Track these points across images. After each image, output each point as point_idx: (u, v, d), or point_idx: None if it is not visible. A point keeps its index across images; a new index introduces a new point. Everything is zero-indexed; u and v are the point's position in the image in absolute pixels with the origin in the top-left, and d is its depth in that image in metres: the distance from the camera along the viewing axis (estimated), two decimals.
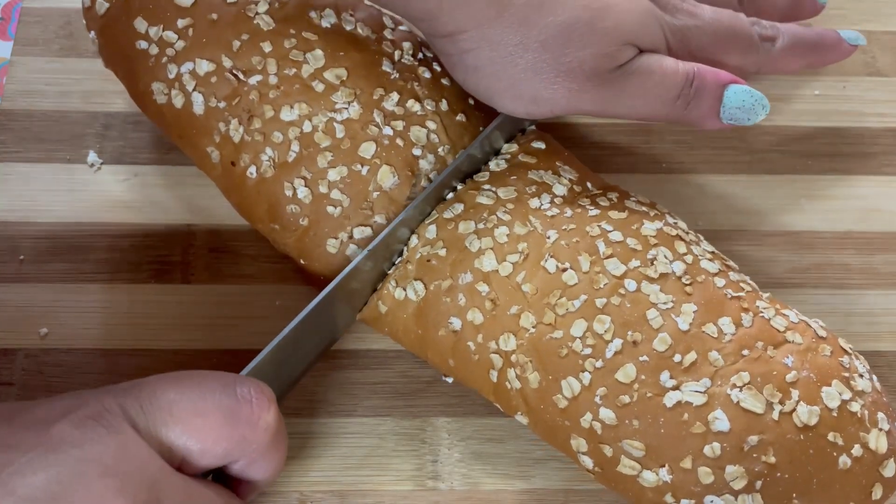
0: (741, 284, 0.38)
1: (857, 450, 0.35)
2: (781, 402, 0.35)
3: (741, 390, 0.35)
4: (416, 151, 0.41)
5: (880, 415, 0.36)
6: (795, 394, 0.35)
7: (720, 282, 0.38)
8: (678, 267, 0.38)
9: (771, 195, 0.49)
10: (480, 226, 0.39)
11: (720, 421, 0.35)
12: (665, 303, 0.37)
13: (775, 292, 0.46)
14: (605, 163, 0.49)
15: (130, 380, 0.42)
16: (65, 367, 0.43)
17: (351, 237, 0.40)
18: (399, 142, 0.41)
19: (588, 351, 0.37)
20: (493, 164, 0.41)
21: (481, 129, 0.42)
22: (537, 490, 0.41)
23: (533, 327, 0.37)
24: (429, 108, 0.42)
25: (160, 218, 0.47)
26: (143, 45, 0.43)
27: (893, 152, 0.51)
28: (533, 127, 0.45)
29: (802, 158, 0.51)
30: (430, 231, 0.40)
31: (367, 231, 0.40)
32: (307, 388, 0.43)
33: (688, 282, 0.37)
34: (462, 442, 0.42)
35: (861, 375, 0.37)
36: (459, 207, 0.40)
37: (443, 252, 0.39)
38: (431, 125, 0.41)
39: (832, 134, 0.52)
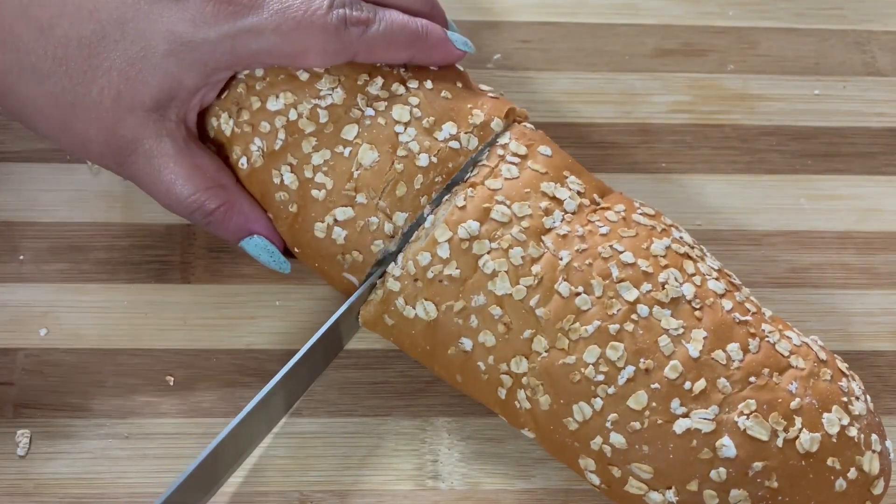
0: (746, 305, 0.39)
1: (852, 473, 0.37)
2: (786, 430, 0.36)
3: (748, 418, 0.36)
4: (398, 129, 0.41)
5: (874, 436, 0.38)
6: (799, 421, 0.36)
7: (727, 304, 0.38)
8: (688, 290, 0.38)
9: (771, 195, 0.49)
10: (494, 245, 0.39)
11: (727, 448, 0.36)
12: (676, 329, 0.37)
13: (775, 292, 0.46)
14: (605, 163, 0.49)
15: (131, 379, 0.42)
16: (65, 367, 0.43)
17: (335, 220, 0.40)
18: (381, 120, 0.41)
19: (601, 378, 0.37)
20: (504, 170, 0.41)
21: (469, 106, 0.42)
22: (537, 490, 0.41)
23: (545, 351, 0.38)
24: (412, 86, 0.42)
25: (160, 218, 0.47)
26: None
27: (893, 152, 0.51)
28: (531, 126, 0.45)
29: (802, 158, 0.51)
30: (443, 250, 0.39)
31: (350, 212, 0.40)
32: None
33: (697, 306, 0.38)
34: (462, 442, 0.42)
35: (857, 398, 0.38)
36: (474, 226, 0.39)
37: (456, 273, 0.39)
38: (414, 101, 0.41)
39: (832, 134, 0.52)
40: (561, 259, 0.39)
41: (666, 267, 0.39)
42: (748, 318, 0.38)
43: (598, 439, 0.37)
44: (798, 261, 0.48)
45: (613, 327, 0.37)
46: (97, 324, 0.44)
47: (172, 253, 0.46)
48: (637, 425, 0.36)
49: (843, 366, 0.39)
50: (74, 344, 0.43)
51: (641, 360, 0.37)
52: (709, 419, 0.36)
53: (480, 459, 0.42)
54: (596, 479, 0.38)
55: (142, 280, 0.45)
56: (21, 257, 0.45)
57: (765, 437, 0.36)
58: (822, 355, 0.39)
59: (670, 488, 0.36)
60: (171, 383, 0.42)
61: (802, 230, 0.48)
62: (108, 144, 0.39)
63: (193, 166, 0.40)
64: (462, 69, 0.44)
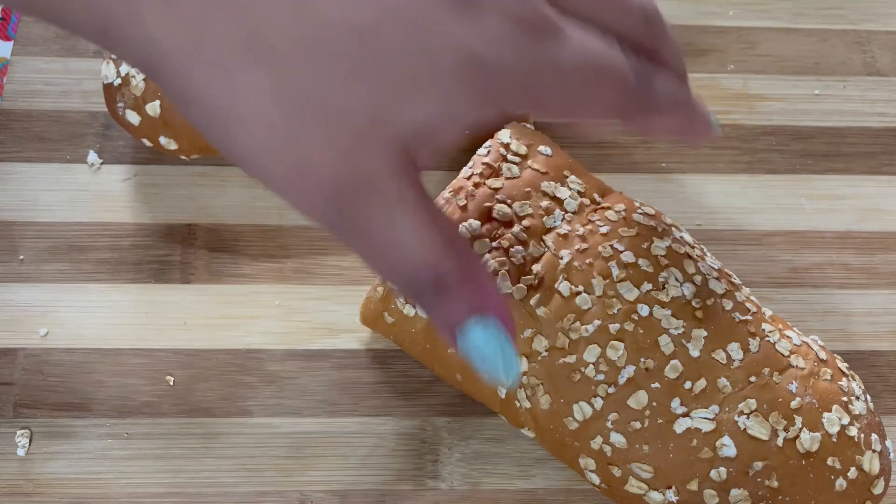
0: (747, 305, 0.39)
1: (852, 472, 0.37)
2: (786, 429, 0.36)
3: (748, 417, 0.36)
4: None
5: (874, 436, 0.38)
6: (799, 420, 0.37)
7: (728, 304, 0.38)
8: (688, 290, 0.38)
9: (771, 195, 0.49)
10: (495, 244, 0.39)
11: (727, 447, 0.36)
12: (676, 328, 0.37)
13: (775, 292, 0.46)
14: (605, 163, 0.49)
15: (131, 379, 0.42)
16: (65, 367, 0.43)
17: None
18: None
19: (601, 377, 0.37)
20: (505, 169, 0.41)
21: None
22: (537, 490, 0.41)
23: (546, 351, 0.38)
24: None
25: (160, 218, 0.47)
26: None
27: (893, 152, 0.51)
28: (532, 126, 0.45)
29: (802, 158, 0.51)
30: None
31: None
32: (307, 388, 0.43)
33: (698, 305, 0.38)
34: (462, 442, 0.42)
35: (857, 398, 0.38)
36: (475, 225, 0.39)
37: None
38: None
39: (832, 134, 0.52)
40: (561, 258, 0.39)
41: (666, 266, 0.39)
42: (748, 317, 0.38)
43: (599, 439, 0.37)
44: (798, 261, 0.48)
45: (614, 327, 0.37)
46: (97, 324, 0.44)
47: (172, 253, 0.46)
48: (637, 425, 0.36)
49: (842, 365, 0.39)
50: (74, 344, 0.43)
51: (642, 359, 0.37)
52: (709, 419, 0.36)
53: (480, 459, 0.42)
54: (596, 479, 0.38)
55: (142, 280, 0.45)
56: (21, 257, 0.45)
57: (765, 437, 0.36)
58: (822, 355, 0.39)
59: (670, 488, 0.36)
60: (171, 383, 0.42)
61: (802, 230, 0.48)
62: (335, 175, 0.27)
63: (430, 214, 0.29)
64: None
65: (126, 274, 0.45)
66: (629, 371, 0.37)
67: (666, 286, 0.38)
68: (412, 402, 0.43)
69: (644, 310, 0.37)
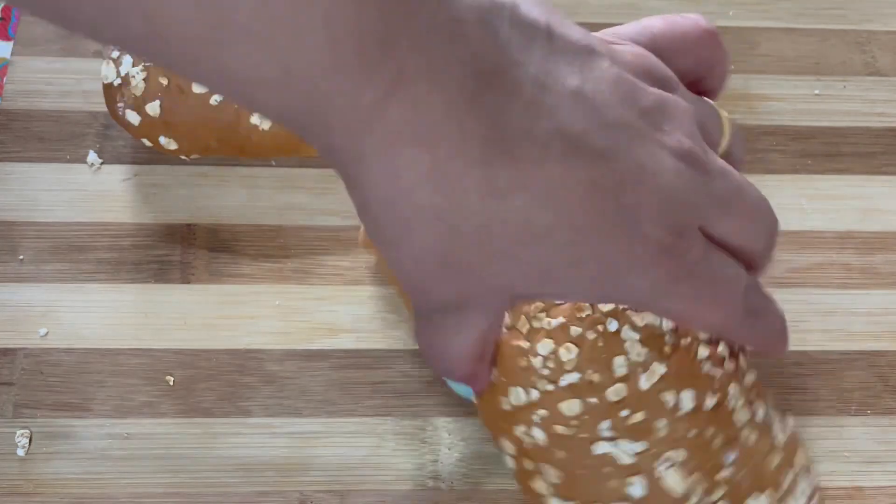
0: (726, 362, 0.37)
1: None
2: (705, 493, 0.34)
3: (669, 467, 0.35)
4: None
5: None
6: (719, 492, 0.35)
7: (704, 352, 0.36)
8: (667, 324, 0.36)
9: (771, 195, 0.49)
10: None
11: (635, 487, 0.34)
12: (638, 354, 0.35)
13: (775, 292, 0.46)
14: None
15: (131, 379, 0.42)
16: (65, 367, 0.43)
17: None
18: None
19: (546, 372, 0.36)
20: None
21: None
22: None
23: (506, 329, 0.37)
24: None
25: (160, 218, 0.47)
26: (218, 98, 0.44)
27: (893, 152, 0.51)
28: None
29: (802, 158, 0.51)
30: None
31: None
32: (307, 388, 0.43)
33: (670, 341, 0.36)
34: (462, 442, 0.42)
35: (795, 499, 0.36)
36: None
37: None
38: None
39: (832, 134, 0.52)
40: None
41: None
42: (718, 372, 0.36)
43: (523, 427, 0.36)
44: (798, 261, 0.48)
45: (576, 330, 0.36)
46: (97, 324, 0.44)
47: (172, 253, 0.46)
48: (561, 429, 0.35)
49: (801, 461, 0.37)
50: (74, 344, 0.43)
51: (590, 370, 0.35)
52: (630, 453, 0.35)
53: (480, 459, 0.42)
54: (511, 464, 0.37)
55: (142, 280, 0.45)
56: (21, 257, 0.45)
57: (677, 493, 0.34)
58: (780, 441, 0.37)
59: (573, 500, 0.35)
60: (171, 383, 0.42)
61: (802, 230, 0.48)
62: (454, 296, 0.32)
63: (481, 337, 0.34)
64: None
65: (126, 274, 0.45)
66: (573, 377, 0.35)
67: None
68: (412, 402, 0.43)
69: (613, 325, 0.36)
